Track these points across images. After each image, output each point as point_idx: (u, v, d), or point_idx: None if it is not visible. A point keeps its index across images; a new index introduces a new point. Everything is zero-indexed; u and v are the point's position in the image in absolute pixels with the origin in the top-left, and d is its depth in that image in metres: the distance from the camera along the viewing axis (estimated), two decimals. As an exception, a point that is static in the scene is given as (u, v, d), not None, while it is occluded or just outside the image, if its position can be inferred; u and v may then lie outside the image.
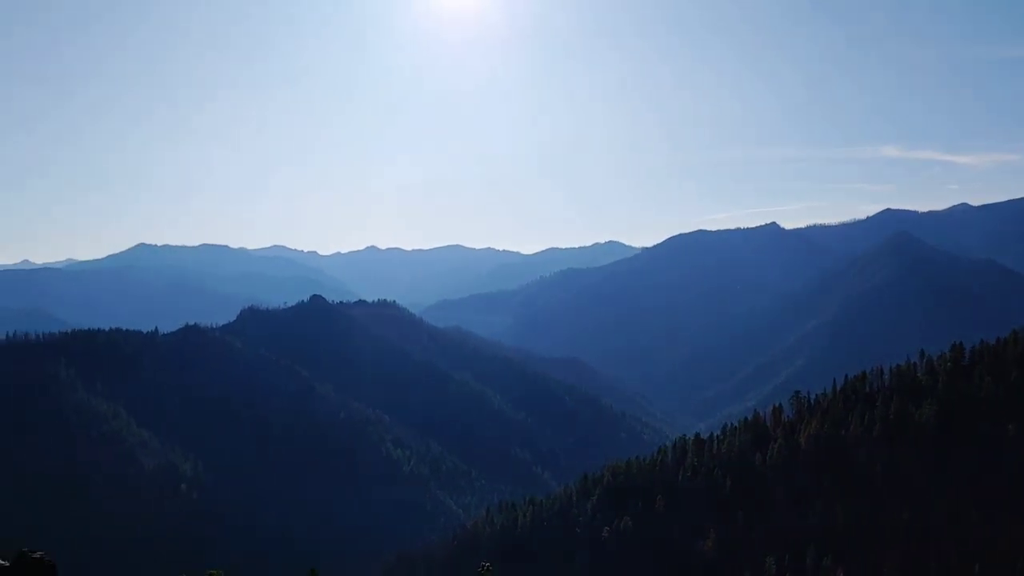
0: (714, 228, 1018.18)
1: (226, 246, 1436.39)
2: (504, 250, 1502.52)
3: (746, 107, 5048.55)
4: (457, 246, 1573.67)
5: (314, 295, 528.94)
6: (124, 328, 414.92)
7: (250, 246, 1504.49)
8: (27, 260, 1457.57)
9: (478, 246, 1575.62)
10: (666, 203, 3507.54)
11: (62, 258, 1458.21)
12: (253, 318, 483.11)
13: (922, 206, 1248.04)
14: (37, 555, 38.54)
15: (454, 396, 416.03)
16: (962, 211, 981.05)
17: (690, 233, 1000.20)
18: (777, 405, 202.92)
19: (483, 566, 30.55)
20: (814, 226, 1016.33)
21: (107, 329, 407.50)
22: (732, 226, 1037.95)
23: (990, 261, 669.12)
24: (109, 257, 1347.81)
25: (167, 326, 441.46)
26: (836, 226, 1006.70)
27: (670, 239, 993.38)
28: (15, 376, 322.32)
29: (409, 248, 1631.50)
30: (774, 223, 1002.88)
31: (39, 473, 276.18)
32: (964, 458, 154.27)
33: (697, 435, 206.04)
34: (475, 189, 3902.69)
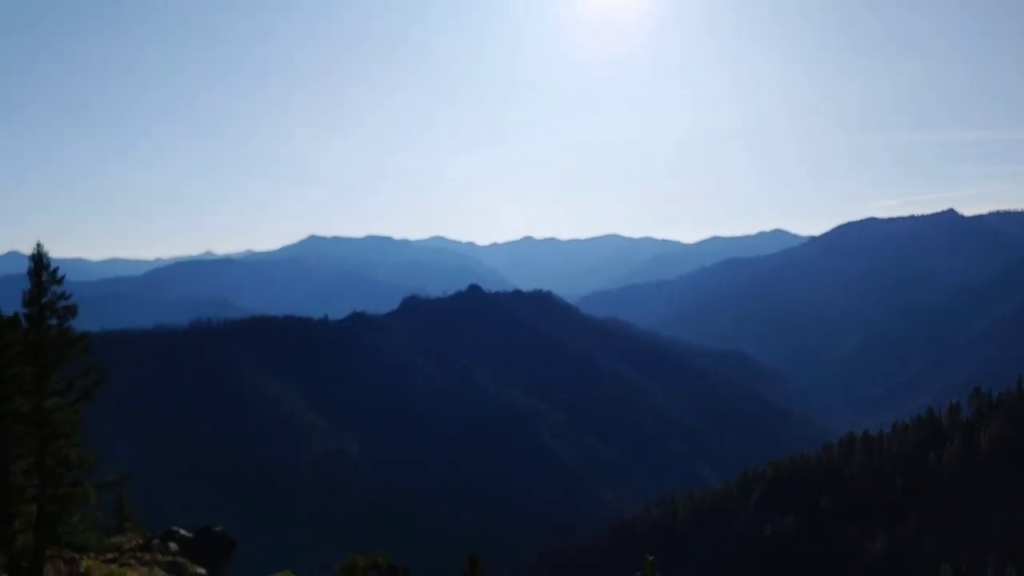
0: (885, 215, 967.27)
1: (390, 237, 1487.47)
2: (663, 239, 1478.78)
3: (918, 87, 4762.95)
4: (614, 235, 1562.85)
5: (471, 284, 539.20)
6: (296, 315, 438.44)
7: (412, 237, 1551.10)
8: (210, 251, 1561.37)
9: (636, 235, 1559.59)
10: (834, 189, 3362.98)
11: (241, 249, 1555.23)
12: (414, 307, 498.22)
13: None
14: (218, 530, 41.27)
15: (610, 387, 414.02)
16: None
17: (860, 221, 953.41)
18: (954, 402, 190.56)
19: (647, 559, 30.34)
20: (996, 212, 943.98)
21: (281, 316, 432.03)
22: (905, 213, 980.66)
23: None
24: (283, 248, 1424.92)
25: (336, 313, 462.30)
26: (1021, 212, 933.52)
27: (839, 228, 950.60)
28: (200, 359, 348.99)
29: (565, 238, 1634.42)
30: (951, 209, 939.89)
31: (219, 449, 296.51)
32: None
33: (866, 432, 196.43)
34: (633, 178, 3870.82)
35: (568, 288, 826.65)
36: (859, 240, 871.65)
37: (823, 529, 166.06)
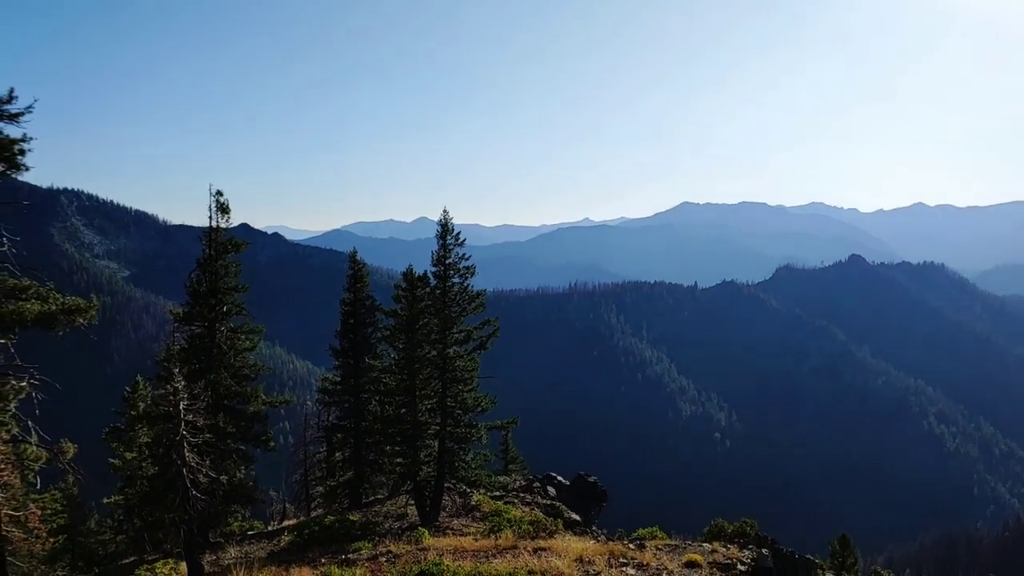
0: None
1: (764, 204, 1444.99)
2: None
3: None
4: (1022, 203, 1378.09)
5: (852, 255, 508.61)
6: (667, 281, 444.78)
7: (788, 204, 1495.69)
8: (587, 218, 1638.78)
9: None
10: None
11: (616, 216, 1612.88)
12: (788, 277, 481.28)
13: None
14: (592, 479, 43.56)
15: (1013, 372, 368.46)
16: None
17: None
18: None
19: None
20: None
21: (652, 282, 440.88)
22: None
23: None
24: (656, 215, 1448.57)
25: (706, 281, 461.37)
26: None
27: None
28: (579, 319, 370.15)
29: (963, 204, 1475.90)
30: None
31: (590, 404, 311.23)
32: None
33: None
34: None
35: (965, 261, 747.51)
36: None
37: None
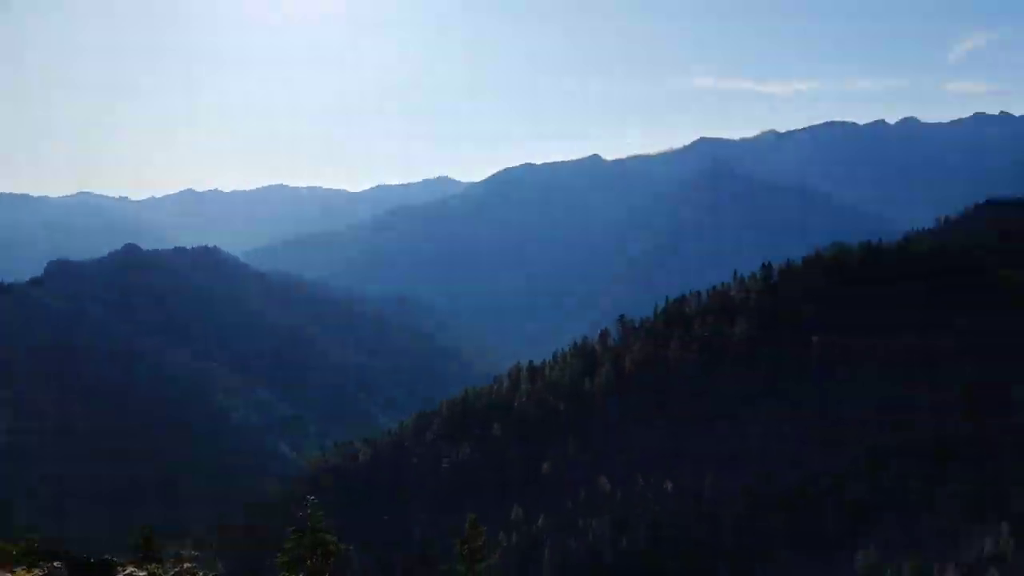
0: (540, 162, 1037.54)
1: (26, 195, 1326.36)
2: (330, 188, 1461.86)
3: (571, 38, 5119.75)
4: (280, 185, 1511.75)
5: (128, 243, 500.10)
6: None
7: (52, 194, 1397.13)
8: None
9: (302, 184, 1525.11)
10: (496, 138, 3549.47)
11: None
12: (62, 271, 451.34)
13: (734, 134, 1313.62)
14: None
15: (284, 341, 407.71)
16: (771, 138, 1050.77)
17: (517, 167, 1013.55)
18: (605, 330, 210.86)
19: (308, 499, 31.18)
20: (635, 157, 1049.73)
21: None
22: (558, 159, 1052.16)
23: (798, 186, 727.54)
24: None
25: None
26: (655, 156, 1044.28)
27: (497, 174, 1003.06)
28: None
29: (229, 189, 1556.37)
30: (596, 155, 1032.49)
31: None
32: (778, 371, 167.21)
33: (531, 363, 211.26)
34: (298, 123, 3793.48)
35: (236, 242, 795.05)
36: (517, 185, 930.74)
37: (496, 454, 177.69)
